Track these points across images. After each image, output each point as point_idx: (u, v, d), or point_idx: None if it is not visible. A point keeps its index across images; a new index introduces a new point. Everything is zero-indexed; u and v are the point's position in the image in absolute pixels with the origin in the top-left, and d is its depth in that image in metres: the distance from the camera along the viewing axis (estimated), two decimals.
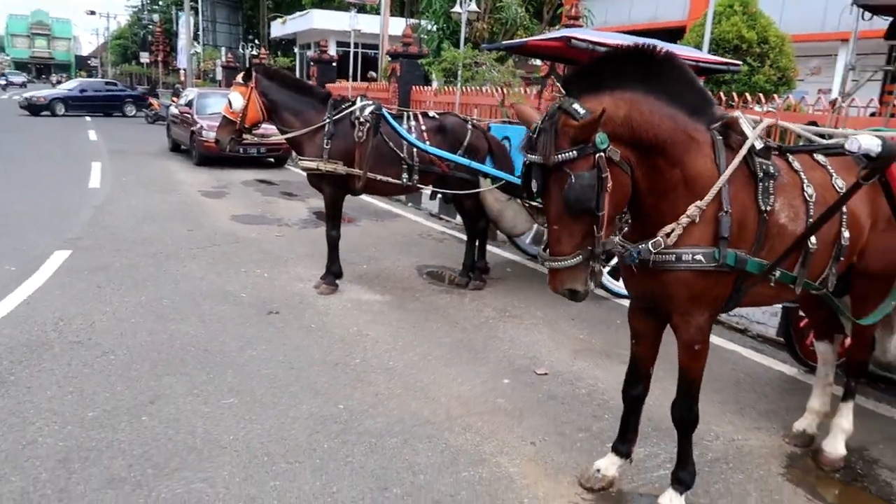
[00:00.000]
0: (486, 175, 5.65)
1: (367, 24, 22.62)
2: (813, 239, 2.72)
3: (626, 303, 5.76)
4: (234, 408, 3.62)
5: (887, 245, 3.06)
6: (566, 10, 17.50)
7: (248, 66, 5.53)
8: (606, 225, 2.28)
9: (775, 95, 8.07)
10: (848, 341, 3.57)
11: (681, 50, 6.13)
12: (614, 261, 4.50)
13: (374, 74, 6.68)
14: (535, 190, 2.32)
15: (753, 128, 2.66)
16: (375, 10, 26.73)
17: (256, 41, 30.54)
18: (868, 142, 2.32)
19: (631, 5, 23.20)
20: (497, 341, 4.82)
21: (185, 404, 3.63)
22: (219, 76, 31.23)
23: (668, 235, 2.50)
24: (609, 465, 3.07)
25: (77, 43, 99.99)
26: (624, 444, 3.08)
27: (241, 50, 29.39)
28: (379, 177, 5.36)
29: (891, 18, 3.83)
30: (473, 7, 11.98)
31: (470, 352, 4.60)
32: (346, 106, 5.36)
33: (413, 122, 5.55)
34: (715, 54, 7.96)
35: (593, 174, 2.20)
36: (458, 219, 9.45)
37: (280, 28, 31.01)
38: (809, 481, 3.26)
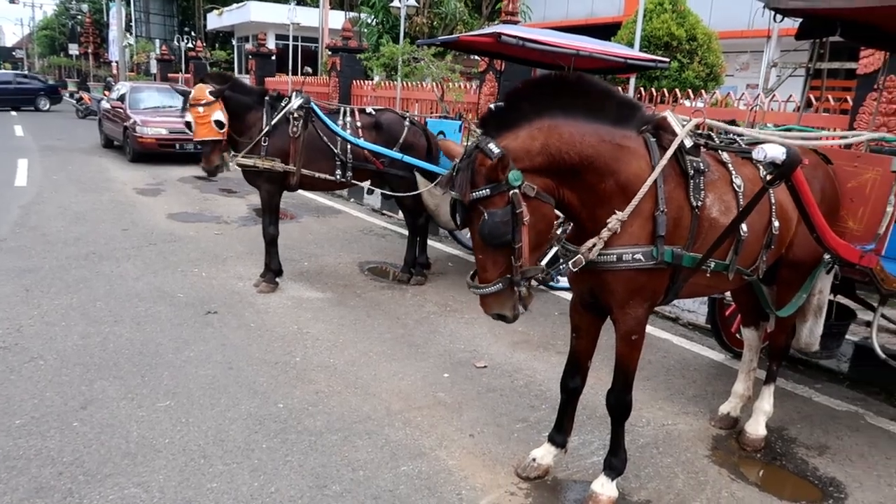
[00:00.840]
0: (421, 171, 5.69)
1: (307, 17, 22.32)
2: (744, 227, 2.85)
3: (564, 295, 5.97)
4: (170, 410, 3.57)
5: (808, 236, 3.25)
6: (504, 5, 17.72)
7: (201, 78, 5.25)
8: (527, 254, 2.38)
9: (703, 91, 8.38)
10: (771, 328, 3.76)
11: (612, 47, 6.30)
12: (551, 253, 4.61)
13: (309, 70, 6.58)
14: (458, 223, 2.44)
15: (683, 126, 2.78)
16: (315, 3, 26.43)
17: (192, 33, 29.71)
18: (773, 151, 2.46)
19: (568, 2, 23.61)
20: (438, 336, 4.88)
21: (118, 409, 3.55)
22: (153, 69, 30.30)
23: (589, 250, 2.59)
24: (545, 454, 3.16)
25: (0, 33, 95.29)
26: (560, 434, 3.18)
27: (175, 42, 28.50)
28: (312, 173, 5.34)
29: (800, 20, 4.00)
30: (412, 2, 11.97)
31: (411, 347, 4.64)
32: (285, 104, 5.31)
33: (349, 118, 5.54)
34: (646, 51, 8.19)
35: (506, 210, 2.30)
36: (401, 214, 9.51)
37: (217, 20, 30.26)
38: (733, 462, 3.43)
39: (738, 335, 4.75)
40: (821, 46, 5.01)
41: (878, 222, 3.48)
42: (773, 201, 3.02)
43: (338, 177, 5.45)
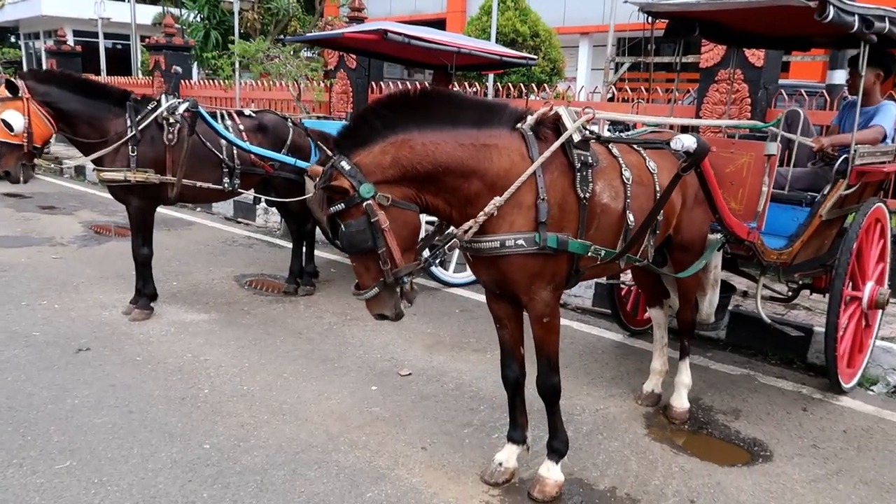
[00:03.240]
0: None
1: (109, 11, 20.23)
2: (631, 217, 3.03)
3: (461, 293, 5.98)
4: (74, 471, 3.04)
5: (694, 220, 3.57)
6: (339, 1, 17.41)
7: (6, 79, 4.51)
8: (397, 257, 2.50)
9: (545, 85, 8.79)
10: (675, 306, 4.01)
11: (488, 45, 6.40)
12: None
13: (178, 69, 5.85)
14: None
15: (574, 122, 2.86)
16: None
17: None
18: (688, 141, 2.72)
19: None
20: (349, 347, 4.65)
21: (6, 479, 2.96)
22: None
23: (465, 232, 2.68)
24: (509, 456, 3.13)
25: None
26: (517, 431, 3.16)
27: None
28: (197, 183, 4.83)
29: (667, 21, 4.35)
30: None
31: (325, 363, 4.38)
32: (153, 107, 4.73)
33: (229, 122, 5.08)
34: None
35: (362, 220, 2.44)
36: (259, 220, 8.96)
37: None
38: (668, 436, 3.62)
39: (634, 314, 5.07)
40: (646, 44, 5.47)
41: (756, 201, 3.83)
42: (657, 186, 3.21)
43: (226, 185, 4.98)
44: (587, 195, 2.81)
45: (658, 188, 3.18)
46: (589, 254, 2.87)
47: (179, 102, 4.76)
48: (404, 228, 2.54)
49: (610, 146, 3.08)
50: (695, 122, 5.44)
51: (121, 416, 3.56)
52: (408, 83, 9.78)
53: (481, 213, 2.63)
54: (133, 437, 3.35)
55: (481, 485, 3.07)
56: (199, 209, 9.64)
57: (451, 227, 2.83)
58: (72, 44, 18.20)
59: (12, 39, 31.76)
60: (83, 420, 3.50)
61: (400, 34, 5.09)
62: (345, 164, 2.44)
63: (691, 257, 3.61)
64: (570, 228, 2.80)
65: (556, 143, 2.74)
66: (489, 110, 2.77)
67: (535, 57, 6.49)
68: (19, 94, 4.46)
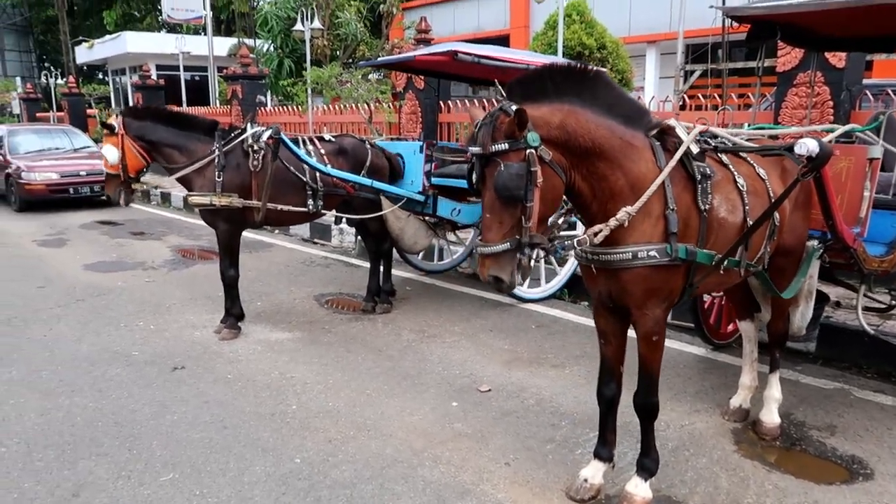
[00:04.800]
0: (388, 195, 5.54)
1: (188, 45, 21.29)
2: (750, 221, 2.98)
3: (535, 308, 5.98)
4: (177, 484, 3.21)
5: (796, 223, 3.48)
6: (404, 24, 17.79)
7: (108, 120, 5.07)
8: (536, 219, 2.45)
9: None
10: (766, 318, 3.89)
11: (551, 60, 6.41)
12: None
13: (262, 99, 6.20)
14: (474, 182, 2.52)
15: (688, 133, 2.86)
16: (195, 31, 25.41)
17: (52, 68, 27.60)
18: (812, 145, 2.64)
19: (454, 17, 24.07)
20: (428, 364, 4.72)
21: (117, 491, 3.16)
22: (16, 109, 27.95)
23: (595, 235, 2.67)
24: (594, 472, 3.10)
25: None
26: (605, 448, 3.13)
27: (43, 79, 26.46)
28: (281, 206, 5.06)
29: (749, 25, 4.27)
30: (317, 24, 11.73)
31: (406, 379, 4.46)
32: (237, 134, 5.00)
33: (311, 147, 5.31)
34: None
35: (522, 166, 2.40)
36: (335, 241, 9.22)
37: (87, 53, 28.36)
38: (759, 453, 3.51)
39: (716, 327, 4.93)
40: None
41: (857, 207, 3.70)
42: (770, 193, 3.15)
43: (310, 207, 5.20)
44: (707, 206, 2.82)
45: (772, 194, 3.13)
46: (713, 262, 2.86)
47: (263, 130, 5.01)
48: (550, 192, 2.51)
49: (720, 154, 3.06)
50: (794, 129, 5.28)
51: (216, 431, 3.74)
52: (474, 101, 9.89)
53: (613, 219, 2.64)
54: (228, 451, 3.51)
55: (567, 501, 3.06)
56: (277, 231, 9.99)
57: (576, 230, 2.86)
58: (155, 78, 19.28)
59: (100, 76, 33.86)
60: (182, 435, 3.69)
61: (470, 54, 5.18)
62: (515, 107, 2.42)
63: (791, 262, 3.54)
64: (692, 239, 2.80)
65: (678, 154, 2.75)
66: (638, 111, 2.81)
67: (604, 70, 6.44)
68: (116, 131, 4.89)
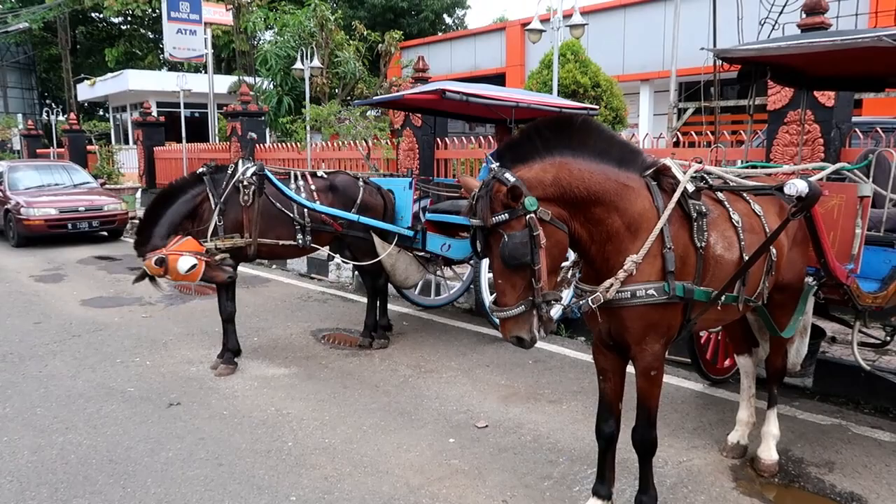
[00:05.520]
0: (378, 232, 5.58)
1: (189, 83, 21.53)
2: (746, 259, 3.02)
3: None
4: None
5: (794, 259, 3.53)
6: (402, 62, 18.11)
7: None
8: (545, 277, 2.51)
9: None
10: (764, 353, 3.91)
11: (546, 98, 6.53)
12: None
13: (253, 135, 6.30)
14: (479, 250, 2.60)
15: (684, 173, 2.93)
16: (196, 69, 25.74)
17: (53, 105, 27.95)
18: (802, 186, 2.72)
19: (451, 55, 24.50)
20: (425, 399, 4.71)
21: None
22: (17, 146, 28.16)
23: (607, 290, 2.73)
24: None
25: None
26: (603, 485, 3.12)
27: (44, 116, 26.73)
28: (271, 241, 5.11)
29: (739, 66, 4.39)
30: (317, 63, 11.93)
31: (402, 415, 4.44)
32: (231, 173, 5.06)
33: (301, 182, 5.37)
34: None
35: (525, 233, 2.46)
36: (332, 276, 9.24)
37: (88, 90, 28.65)
38: (758, 490, 3.49)
39: (713, 363, 4.94)
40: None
41: (849, 244, 3.74)
42: (767, 230, 3.20)
43: (300, 241, 5.24)
44: (703, 244, 2.87)
45: (768, 230, 3.18)
46: (710, 299, 2.89)
47: (249, 166, 5.07)
48: (555, 247, 2.58)
49: (715, 192, 3.12)
50: (786, 168, 5.35)
51: (212, 468, 3.71)
52: (471, 138, 10.01)
53: (621, 271, 2.69)
54: (224, 489, 3.48)
55: None
56: (274, 266, 10.02)
57: (570, 272, 2.94)
58: (155, 114, 19.49)
59: (101, 113, 34.17)
60: (177, 472, 3.66)
61: (458, 92, 5.26)
62: (509, 176, 2.50)
63: (791, 298, 3.58)
64: (689, 277, 2.84)
65: (677, 194, 2.81)
66: (630, 152, 2.87)
67: (597, 107, 6.59)
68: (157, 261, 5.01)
